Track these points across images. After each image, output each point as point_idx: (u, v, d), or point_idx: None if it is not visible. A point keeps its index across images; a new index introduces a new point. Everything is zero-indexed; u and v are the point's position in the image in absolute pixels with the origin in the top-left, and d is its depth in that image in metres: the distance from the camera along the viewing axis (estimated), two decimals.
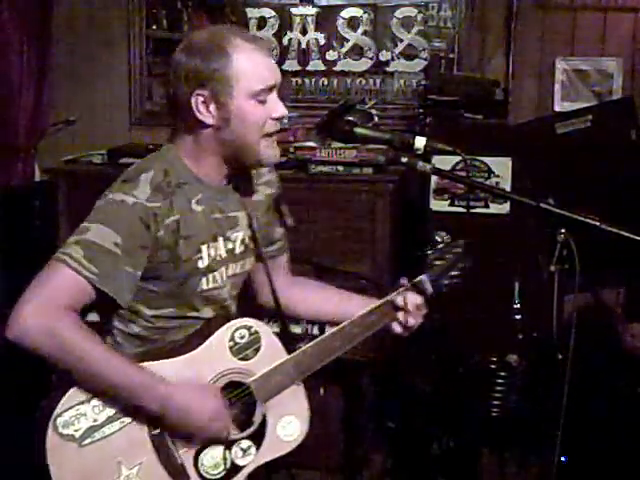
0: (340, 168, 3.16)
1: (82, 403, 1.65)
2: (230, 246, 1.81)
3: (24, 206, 3.35)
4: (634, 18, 3.48)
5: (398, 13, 3.62)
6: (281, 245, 2.02)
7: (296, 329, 2.79)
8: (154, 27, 3.79)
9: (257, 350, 1.78)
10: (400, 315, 1.85)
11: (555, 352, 1.90)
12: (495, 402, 2.88)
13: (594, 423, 2.76)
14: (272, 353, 1.79)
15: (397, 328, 1.87)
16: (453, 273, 1.86)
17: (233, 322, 1.78)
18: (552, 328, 1.88)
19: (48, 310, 1.57)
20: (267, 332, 1.80)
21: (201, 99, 1.66)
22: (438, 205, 3.00)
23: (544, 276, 1.74)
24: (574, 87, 3.54)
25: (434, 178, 2.98)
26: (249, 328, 1.78)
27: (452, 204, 2.99)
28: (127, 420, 1.68)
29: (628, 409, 2.75)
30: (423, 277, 1.86)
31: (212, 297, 1.80)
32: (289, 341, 1.84)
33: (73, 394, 1.65)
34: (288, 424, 1.81)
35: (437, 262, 1.86)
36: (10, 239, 3.23)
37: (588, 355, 2.21)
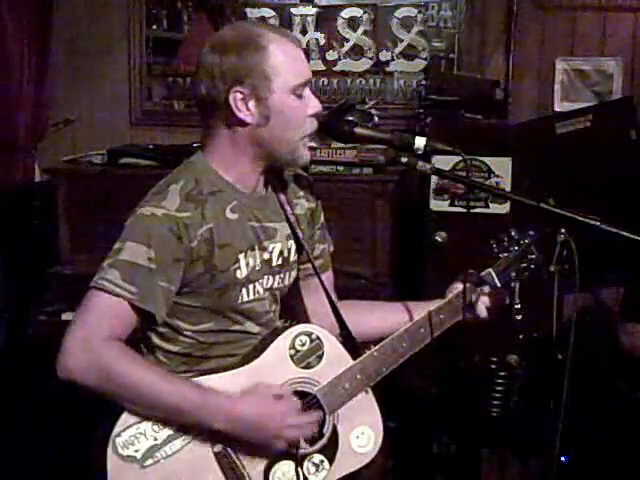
0: (340, 168, 3.16)
1: (141, 421, 1.59)
2: (266, 257, 1.73)
3: (24, 206, 3.34)
4: (634, 18, 3.48)
5: (398, 13, 3.62)
6: (321, 263, 1.91)
7: None
8: (154, 27, 3.79)
9: (320, 357, 1.70)
10: (477, 307, 1.84)
11: (555, 352, 1.90)
12: (495, 402, 2.87)
13: (594, 423, 2.76)
14: (336, 359, 1.71)
15: (479, 316, 1.86)
16: (522, 265, 1.85)
17: (293, 329, 1.70)
18: (552, 328, 1.88)
19: (92, 344, 1.53)
20: (329, 337, 1.72)
21: (240, 96, 1.60)
22: (438, 205, 3.00)
23: (544, 276, 1.74)
24: (574, 87, 3.54)
25: (434, 178, 2.98)
26: (309, 334, 1.70)
27: (452, 204, 2.99)
28: (189, 438, 1.61)
29: (628, 409, 2.75)
30: (489, 270, 1.84)
31: (253, 310, 1.72)
32: (354, 350, 1.76)
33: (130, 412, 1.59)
34: (362, 434, 1.73)
35: (502, 255, 1.84)
36: (10, 239, 3.23)
37: (588, 355, 2.21)
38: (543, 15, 3.53)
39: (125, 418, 1.59)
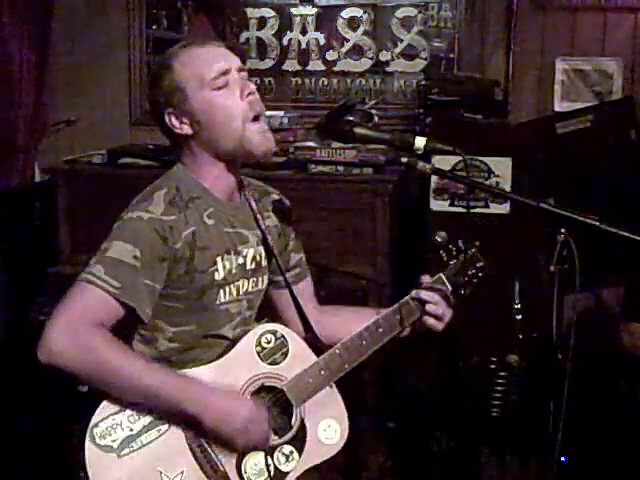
0: (340, 168, 3.16)
1: (117, 413, 1.65)
2: (241, 261, 1.81)
3: (24, 206, 3.35)
4: (634, 18, 3.48)
5: (398, 13, 3.63)
6: (299, 272, 1.99)
7: None
8: (154, 27, 3.79)
9: (285, 354, 1.78)
10: (430, 307, 1.85)
11: (555, 352, 1.90)
12: (495, 402, 2.88)
13: (594, 423, 2.76)
14: (301, 356, 1.80)
15: (429, 321, 1.86)
16: (470, 272, 1.90)
17: (258, 327, 1.79)
18: (552, 328, 1.88)
19: (77, 328, 1.58)
20: (293, 336, 1.81)
21: (173, 117, 1.73)
22: (438, 205, 3.00)
23: (544, 276, 1.74)
24: (574, 87, 3.54)
25: (434, 178, 2.98)
26: (274, 332, 1.79)
27: (452, 204, 2.99)
28: (164, 428, 1.67)
29: (628, 409, 2.75)
30: (440, 275, 1.88)
31: (231, 311, 1.80)
32: (318, 350, 1.82)
33: (107, 404, 1.65)
34: (328, 427, 1.80)
35: (451, 262, 1.89)
36: (10, 239, 3.23)
37: (588, 355, 2.21)
38: (543, 15, 3.53)
39: (102, 409, 1.65)
